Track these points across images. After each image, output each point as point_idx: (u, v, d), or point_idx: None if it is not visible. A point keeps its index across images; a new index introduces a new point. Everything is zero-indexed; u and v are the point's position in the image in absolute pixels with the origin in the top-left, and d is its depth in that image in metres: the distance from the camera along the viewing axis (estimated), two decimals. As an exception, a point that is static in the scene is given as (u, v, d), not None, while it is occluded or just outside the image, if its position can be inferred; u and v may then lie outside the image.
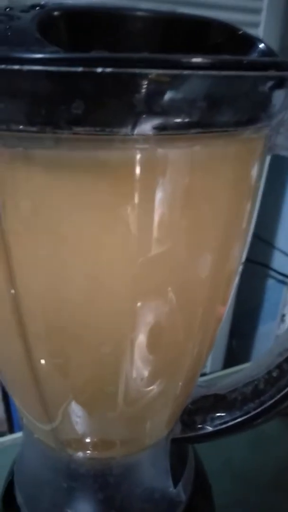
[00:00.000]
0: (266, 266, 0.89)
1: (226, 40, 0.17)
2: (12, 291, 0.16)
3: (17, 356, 0.18)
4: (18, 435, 0.43)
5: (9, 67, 0.10)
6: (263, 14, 0.60)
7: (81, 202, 0.13)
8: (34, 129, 0.11)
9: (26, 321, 0.17)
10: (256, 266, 0.85)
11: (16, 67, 0.10)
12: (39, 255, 0.15)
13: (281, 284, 0.88)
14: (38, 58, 0.10)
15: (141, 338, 0.18)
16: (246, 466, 0.37)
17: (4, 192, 0.13)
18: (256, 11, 0.60)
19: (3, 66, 0.10)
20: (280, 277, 0.87)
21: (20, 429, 0.25)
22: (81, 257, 0.15)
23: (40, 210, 0.14)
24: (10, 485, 0.27)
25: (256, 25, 0.61)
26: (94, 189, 0.13)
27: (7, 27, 0.12)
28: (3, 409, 0.80)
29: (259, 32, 0.61)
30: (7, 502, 0.27)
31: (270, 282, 0.90)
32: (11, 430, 0.83)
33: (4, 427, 0.82)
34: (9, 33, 0.12)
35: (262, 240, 0.86)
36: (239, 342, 0.91)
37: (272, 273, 0.89)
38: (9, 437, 0.44)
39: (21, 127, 0.11)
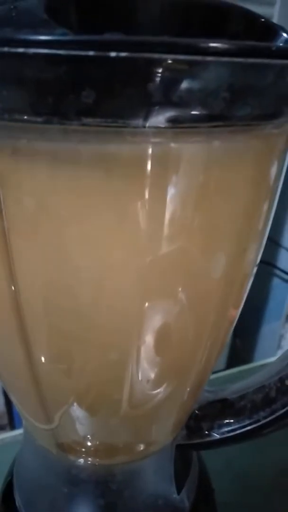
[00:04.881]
0: (272, 265, 0.88)
1: (246, 28, 0.16)
2: (13, 288, 0.15)
3: (17, 359, 0.17)
4: (18, 431, 0.43)
5: (13, 50, 0.09)
6: (277, 6, 0.58)
7: (88, 199, 0.13)
8: (39, 119, 0.10)
9: (27, 323, 0.16)
10: (262, 265, 0.84)
11: (20, 50, 0.09)
12: (41, 254, 0.14)
13: (286, 283, 0.87)
14: (44, 40, 0.09)
15: (149, 342, 0.17)
16: (247, 467, 0.37)
17: (6, 186, 0.13)
18: (270, 3, 0.59)
19: (5, 49, 0.09)
20: (286, 276, 0.87)
21: (21, 424, 0.25)
22: (87, 257, 0.14)
23: (43, 207, 0.13)
24: (9, 486, 0.27)
25: (269, 17, 0.59)
26: (102, 185, 0.12)
27: (12, 7, 0.11)
28: (4, 402, 0.80)
29: (271, 25, 0.59)
30: (6, 503, 0.26)
31: (276, 281, 0.89)
32: (12, 423, 0.83)
33: (5, 420, 0.82)
34: (14, 14, 0.11)
35: (268, 239, 0.85)
36: (243, 341, 0.90)
37: (278, 272, 0.88)
38: (9, 434, 0.43)
39: (25, 117, 0.10)
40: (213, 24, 0.15)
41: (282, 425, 0.21)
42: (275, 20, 0.59)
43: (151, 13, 0.15)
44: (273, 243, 0.87)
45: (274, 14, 0.58)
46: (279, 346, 0.89)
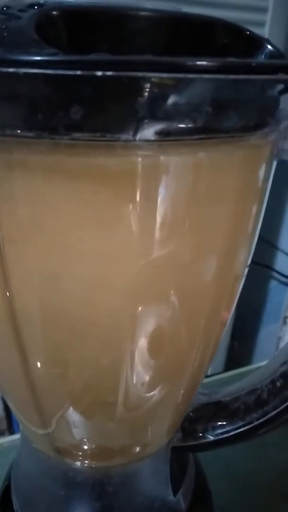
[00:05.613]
0: (269, 267, 0.89)
1: (233, 41, 0.16)
2: (7, 294, 0.15)
3: (13, 365, 0.18)
4: (16, 436, 0.43)
5: (4, 70, 0.10)
6: (269, 13, 0.59)
7: (80, 210, 0.13)
8: (30, 134, 0.11)
9: (22, 330, 0.16)
10: (259, 268, 0.84)
11: (12, 70, 0.10)
12: (35, 262, 0.14)
13: (284, 285, 0.87)
14: (35, 61, 0.10)
15: (143, 346, 0.17)
16: (244, 470, 0.37)
17: (0, 198, 0.13)
18: (262, 10, 0.59)
19: (-2, 69, 0.10)
20: (283, 279, 0.87)
21: (19, 429, 0.25)
22: (79, 265, 0.14)
23: (37, 217, 0.13)
24: (7, 490, 0.27)
25: (262, 24, 0.60)
26: (93, 197, 0.13)
27: (3, 27, 0.12)
28: (2, 407, 0.80)
29: (264, 31, 0.60)
30: (4, 507, 0.27)
31: (273, 284, 0.89)
32: (11, 428, 0.83)
33: (4, 425, 0.82)
34: (5, 34, 0.11)
35: (265, 241, 0.85)
36: (241, 344, 0.91)
37: (275, 275, 0.89)
38: (8, 439, 0.43)
39: (17, 132, 0.11)
40: (200, 39, 0.16)
41: (274, 426, 0.21)
42: (267, 26, 0.60)
43: (140, 30, 0.15)
44: (270, 245, 0.87)
45: (267, 21, 0.59)
46: (277, 349, 0.90)
